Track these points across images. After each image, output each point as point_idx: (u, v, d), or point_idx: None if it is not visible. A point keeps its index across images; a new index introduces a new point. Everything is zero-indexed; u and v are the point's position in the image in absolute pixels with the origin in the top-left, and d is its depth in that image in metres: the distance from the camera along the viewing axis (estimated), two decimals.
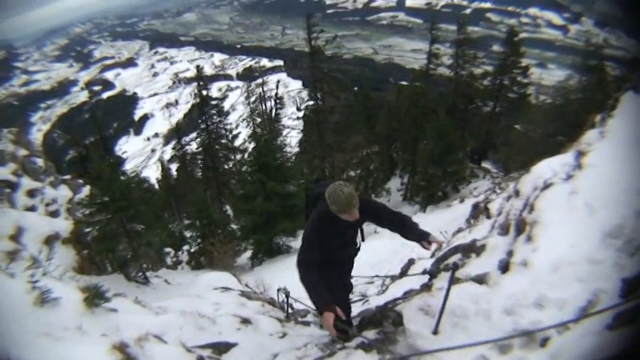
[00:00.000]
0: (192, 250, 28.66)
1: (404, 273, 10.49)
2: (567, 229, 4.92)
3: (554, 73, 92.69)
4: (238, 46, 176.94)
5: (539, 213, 5.60)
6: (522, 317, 4.33)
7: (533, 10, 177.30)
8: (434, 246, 5.34)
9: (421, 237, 5.11)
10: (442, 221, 17.08)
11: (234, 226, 30.77)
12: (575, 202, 5.18)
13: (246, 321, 7.70)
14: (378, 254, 14.89)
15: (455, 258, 7.52)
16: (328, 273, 5.18)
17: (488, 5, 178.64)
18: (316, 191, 5.36)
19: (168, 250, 30.37)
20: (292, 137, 55.24)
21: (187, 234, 31.17)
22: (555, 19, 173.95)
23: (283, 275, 15.60)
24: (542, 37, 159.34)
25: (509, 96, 35.42)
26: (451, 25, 35.68)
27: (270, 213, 24.25)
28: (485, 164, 37.47)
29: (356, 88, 52.70)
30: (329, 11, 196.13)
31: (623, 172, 5.08)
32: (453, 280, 4.89)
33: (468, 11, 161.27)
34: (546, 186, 6.04)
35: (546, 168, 6.59)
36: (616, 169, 5.24)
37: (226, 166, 44.03)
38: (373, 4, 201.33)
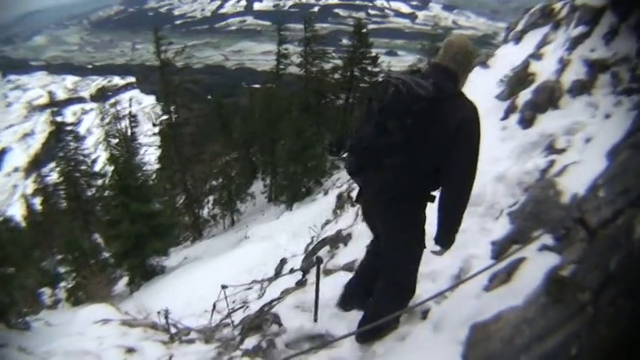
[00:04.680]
0: (69, 286, 27.32)
1: (278, 273, 10.56)
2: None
3: (404, 59, 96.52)
4: (89, 66, 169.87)
5: None
6: None
7: (380, 2, 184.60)
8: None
9: (442, 238, 3.61)
10: (309, 216, 17.20)
11: (106, 254, 29.62)
12: None
13: (131, 350, 7.46)
14: (251, 259, 14.94)
15: (324, 250, 7.53)
16: None
17: (335, 1, 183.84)
18: (447, 88, 3.22)
19: (44, 289, 28.81)
20: (151, 154, 54.01)
21: (61, 270, 29.76)
22: (403, 7, 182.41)
23: (162, 296, 15.29)
24: (390, 26, 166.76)
25: (361, 86, 36.04)
26: (300, 25, 35.89)
27: (138, 235, 23.25)
28: (346, 154, 38.15)
29: (209, 97, 52.25)
30: (178, 22, 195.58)
31: None
32: (325, 272, 4.86)
33: (316, 9, 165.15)
34: None
35: None
36: None
37: (89, 193, 42.36)
38: (221, 11, 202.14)
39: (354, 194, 10.04)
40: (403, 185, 3.38)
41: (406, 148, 3.20)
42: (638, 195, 2.33)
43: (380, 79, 3.38)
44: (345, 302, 4.48)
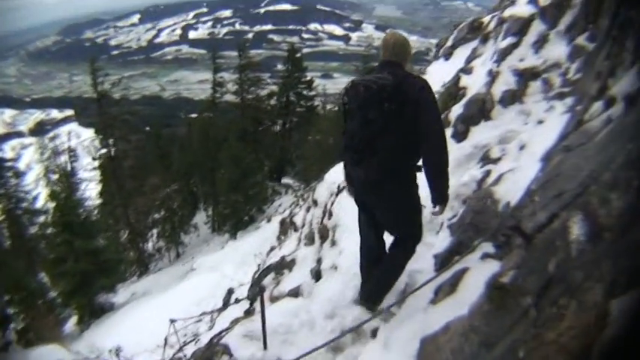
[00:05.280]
0: (18, 328, 26.38)
1: (226, 304, 10.45)
2: None
3: (339, 80, 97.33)
4: (28, 99, 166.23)
5: (338, 217, 5.70)
6: (345, 317, 4.38)
7: (314, 25, 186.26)
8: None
9: (436, 197, 3.87)
10: (254, 244, 17.11)
11: (53, 294, 28.71)
12: None
13: None
14: (199, 291, 14.71)
15: (269, 278, 7.49)
16: None
17: (269, 27, 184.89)
18: (399, 73, 3.89)
19: None
20: (92, 189, 53.04)
21: (9, 311, 28.78)
22: (336, 30, 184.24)
23: (113, 334, 14.94)
24: (324, 49, 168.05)
25: (297, 111, 36.58)
26: (234, 52, 35.86)
27: (84, 273, 22.68)
28: (286, 180, 37.92)
29: (147, 128, 51.55)
30: (114, 52, 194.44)
31: None
32: (271, 299, 4.86)
33: (250, 36, 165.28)
34: (340, 190, 6.15)
35: (338, 173, 6.72)
36: None
37: (32, 231, 41.11)
38: (157, 40, 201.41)
39: (296, 219, 10.03)
40: (396, 161, 3.86)
41: (388, 130, 3.78)
42: (572, 197, 2.37)
43: (347, 85, 4.14)
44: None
